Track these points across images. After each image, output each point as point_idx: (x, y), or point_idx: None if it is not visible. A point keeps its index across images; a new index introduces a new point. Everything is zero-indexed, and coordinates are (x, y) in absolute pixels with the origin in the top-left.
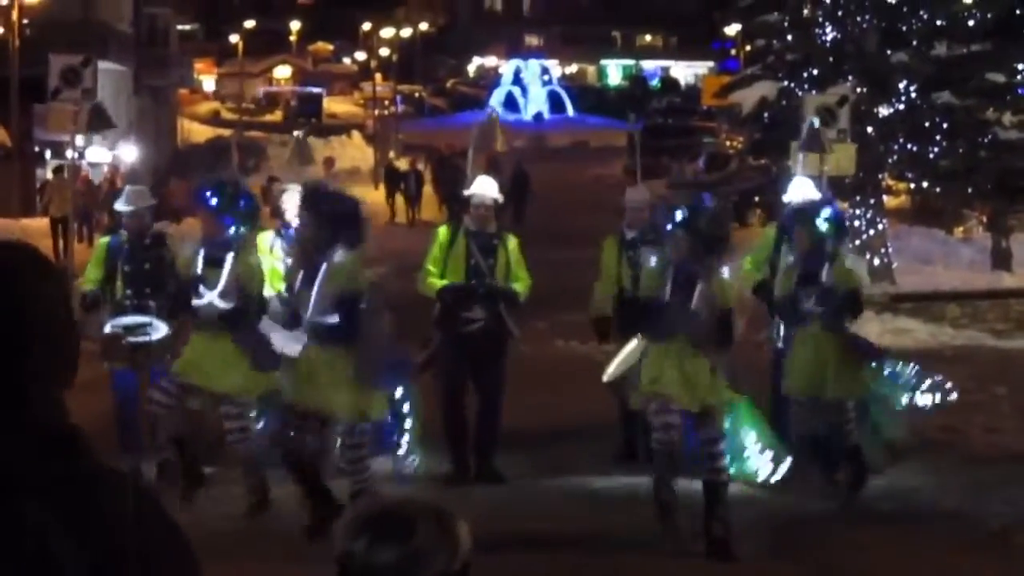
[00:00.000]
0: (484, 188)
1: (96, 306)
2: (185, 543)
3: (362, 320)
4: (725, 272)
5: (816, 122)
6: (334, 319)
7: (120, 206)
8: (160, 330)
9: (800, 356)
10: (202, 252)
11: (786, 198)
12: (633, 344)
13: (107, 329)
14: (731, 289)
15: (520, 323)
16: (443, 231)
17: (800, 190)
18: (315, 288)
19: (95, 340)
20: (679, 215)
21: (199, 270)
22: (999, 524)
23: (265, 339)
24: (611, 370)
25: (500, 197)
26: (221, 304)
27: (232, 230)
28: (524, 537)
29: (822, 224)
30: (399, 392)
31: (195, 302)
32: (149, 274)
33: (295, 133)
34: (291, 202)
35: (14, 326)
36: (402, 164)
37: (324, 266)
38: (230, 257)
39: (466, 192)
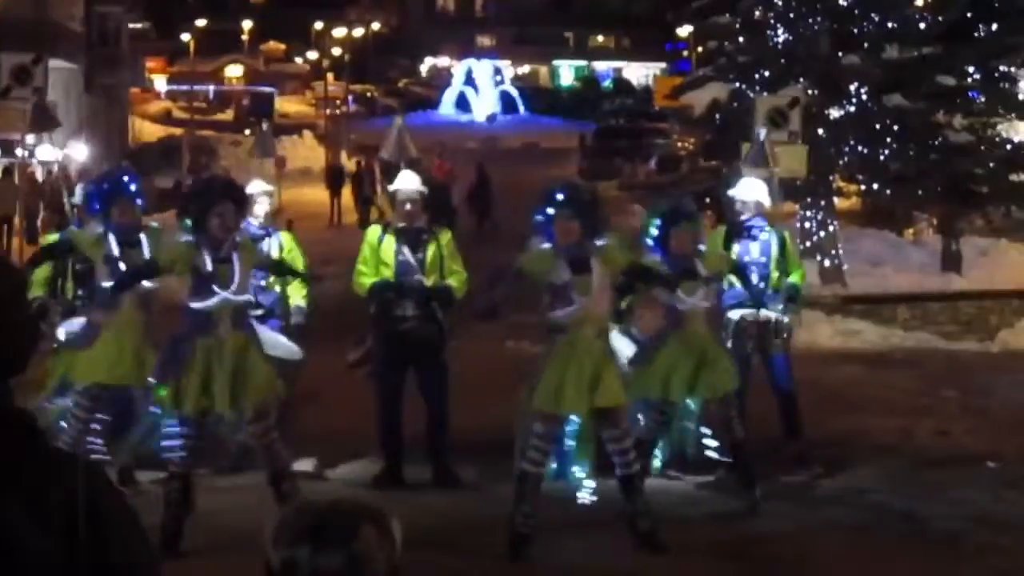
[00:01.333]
0: (407, 183)
1: (44, 315)
2: (138, 522)
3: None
4: (606, 240)
5: (762, 134)
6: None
7: (77, 200)
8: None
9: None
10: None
11: (736, 195)
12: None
13: (62, 337)
14: (621, 248)
15: (460, 320)
16: (372, 230)
17: (750, 189)
18: (236, 267)
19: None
20: (559, 197)
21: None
22: (949, 526)
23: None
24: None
25: (424, 189)
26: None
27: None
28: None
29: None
30: None
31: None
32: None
33: (263, 125)
34: (260, 203)
35: None
36: (350, 165)
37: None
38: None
39: (389, 188)
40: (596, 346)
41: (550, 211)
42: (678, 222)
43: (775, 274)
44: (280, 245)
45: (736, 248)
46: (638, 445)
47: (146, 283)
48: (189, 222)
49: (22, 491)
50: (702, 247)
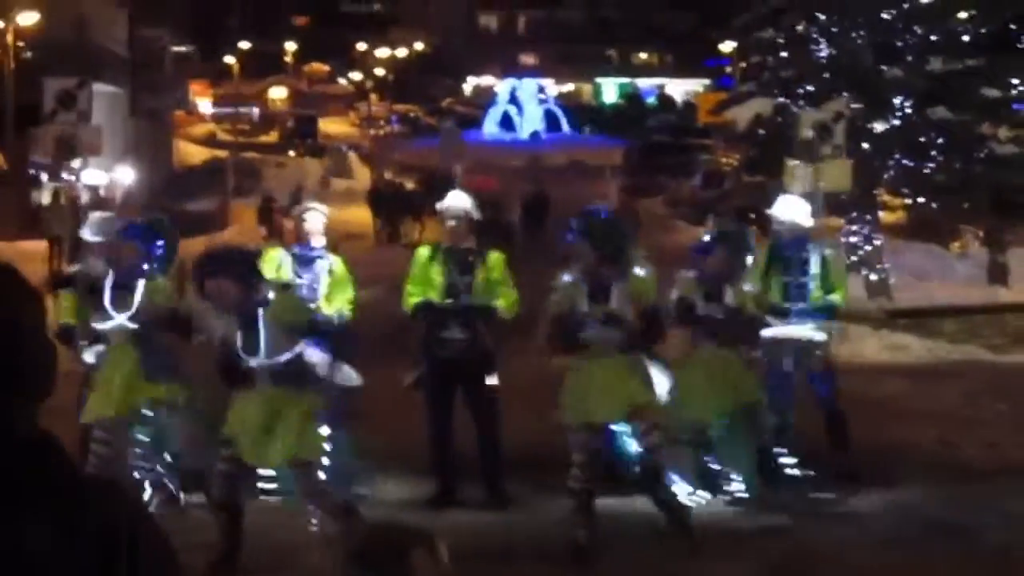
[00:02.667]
0: (454, 201)
1: (70, 340)
2: (171, 549)
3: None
4: (640, 271)
5: (810, 133)
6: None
7: (87, 236)
8: None
9: (695, 377)
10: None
11: (774, 214)
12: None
13: (90, 360)
14: (650, 285)
15: (509, 340)
16: (422, 250)
17: (788, 208)
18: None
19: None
20: (576, 226)
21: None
22: (998, 539)
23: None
24: None
25: (474, 211)
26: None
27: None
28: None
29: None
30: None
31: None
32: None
33: (341, 146)
34: (315, 222)
35: (4, 342)
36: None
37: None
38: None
39: (438, 207)
40: (617, 360)
41: (569, 238)
42: (722, 244)
43: (816, 293)
44: (330, 269)
45: (778, 268)
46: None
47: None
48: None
49: (49, 517)
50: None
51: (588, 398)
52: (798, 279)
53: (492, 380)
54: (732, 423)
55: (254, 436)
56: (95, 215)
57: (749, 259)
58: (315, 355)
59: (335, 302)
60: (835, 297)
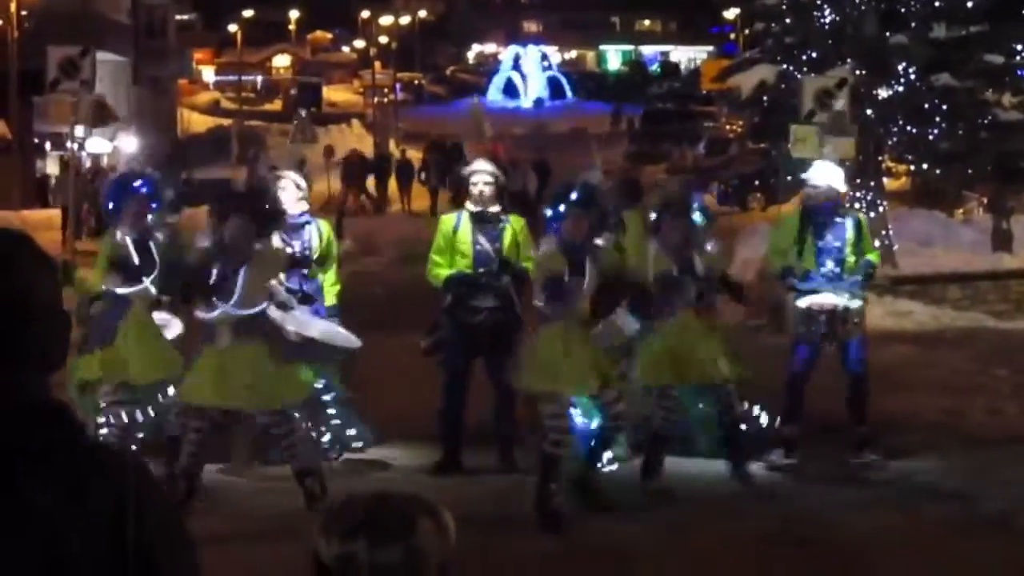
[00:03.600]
0: (482, 165)
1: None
2: (178, 514)
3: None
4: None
5: (839, 104)
6: (257, 309)
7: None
8: (175, 328)
9: (666, 344)
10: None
11: (808, 179)
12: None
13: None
14: (612, 257)
15: (527, 309)
16: (446, 219)
17: (823, 173)
18: (240, 281)
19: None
20: (573, 195)
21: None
22: (1000, 506)
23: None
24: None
25: (499, 173)
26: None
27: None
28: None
29: (695, 215)
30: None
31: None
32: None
33: (301, 112)
34: (288, 193)
35: (15, 311)
36: (395, 152)
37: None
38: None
39: (464, 171)
40: (579, 332)
41: (562, 208)
42: (666, 213)
43: (851, 258)
44: (319, 232)
45: (810, 234)
46: (654, 439)
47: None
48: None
49: (60, 483)
50: (709, 246)
51: (559, 368)
52: (832, 244)
53: (516, 344)
54: (699, 395)
55: (239, 381)
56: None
57: (699, 221)
58: (275, 312)
59: (328, 272)
60: (871, 256)
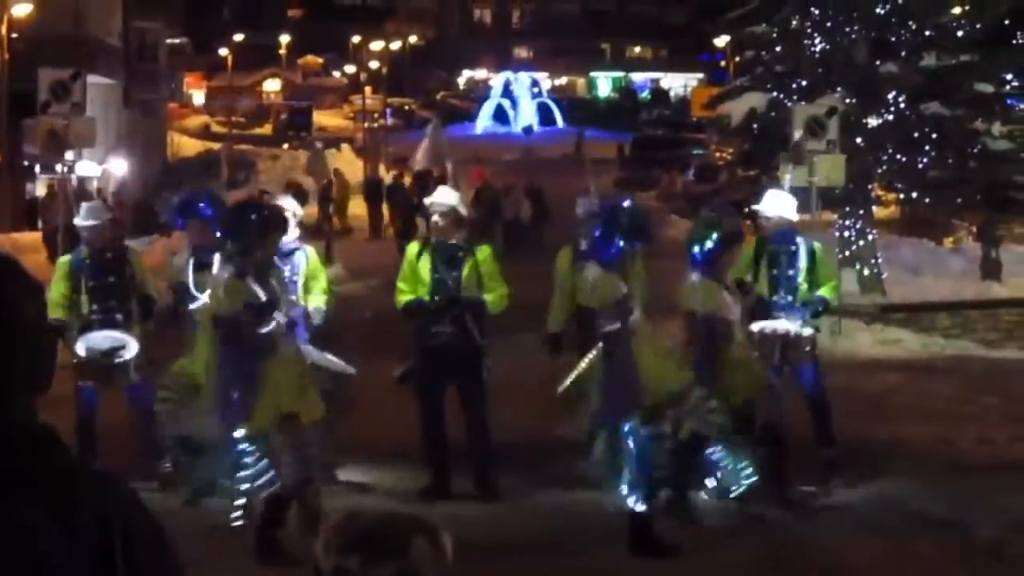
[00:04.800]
0: (440, 197)
1: (61, 334)
2: (166, 540)
3: None
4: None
5: (797, 135)
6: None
7: (79, 222)
8: (132, 348)
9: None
10: (192, 260)
11: (761, 209)
12: (589, 357)
13: (81, 352)
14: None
15: (499, 335)
16: (412, 247)
17: (774, 203)
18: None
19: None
20: (600, 218)
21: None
22: (990, 533)
23: None
24: (566, 383)
25: (461, 207)
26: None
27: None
28: (501, 550)
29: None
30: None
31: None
32: (113, 288)
33: (317, 145)
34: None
35: (4, 334)
36: (388, 177)
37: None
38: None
39: (425, 201)
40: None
41: (631, 242)
42: (732, 244)
43: (803, 286)
44: (307, 258)
45: (765, 262)
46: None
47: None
48: (233, 250)
49: (46, 507)
50: None
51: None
52: (786, 273)
53: (480, 371)
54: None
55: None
56: (85, 204)
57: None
58: None
59: (313, 293)
60: (824, 291)
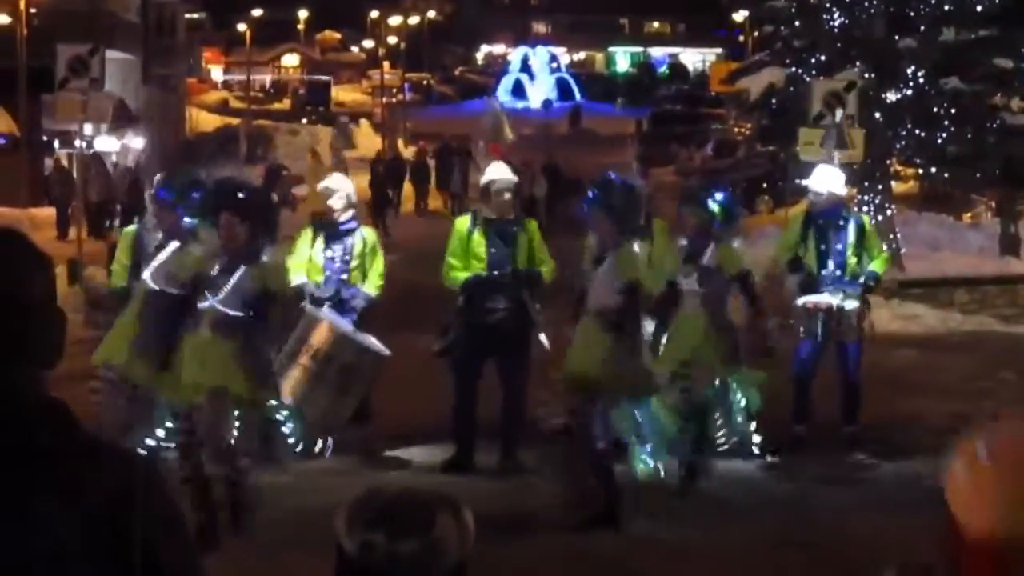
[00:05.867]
0: (502, 173)
1: (125, 303)
2: (180, 515)
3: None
4: (636, 247)
5: (838, 116)
6: (239, 313)
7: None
8: None
9: (678, 333)
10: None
11: (810, 185)
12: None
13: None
14: (636, 262)
15: (542, 311)
16: (460, 222)
17: (825, 178)
18: (232, 280)
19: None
20: (591, 195)
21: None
22: None
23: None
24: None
25: (517, 180)
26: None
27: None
28: (519, 526)
29: (712, 206)
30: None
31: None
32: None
33: (342, 119)
34: (337, 200)
35: (11, 309)
36: (408, 154)
37: (245, 264)
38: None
39: (483, 180)
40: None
41: (586, 207)
42: (684, 205)
43: (852, 260)
44: (363, 240)
45: (812, 236)
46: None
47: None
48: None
49: (57, 480)
50: (736, 243)
51: (578, 364)
52: (834, 247)
53: (528, 347)
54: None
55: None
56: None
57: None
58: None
59: (369, 277)
60: (875, 265)
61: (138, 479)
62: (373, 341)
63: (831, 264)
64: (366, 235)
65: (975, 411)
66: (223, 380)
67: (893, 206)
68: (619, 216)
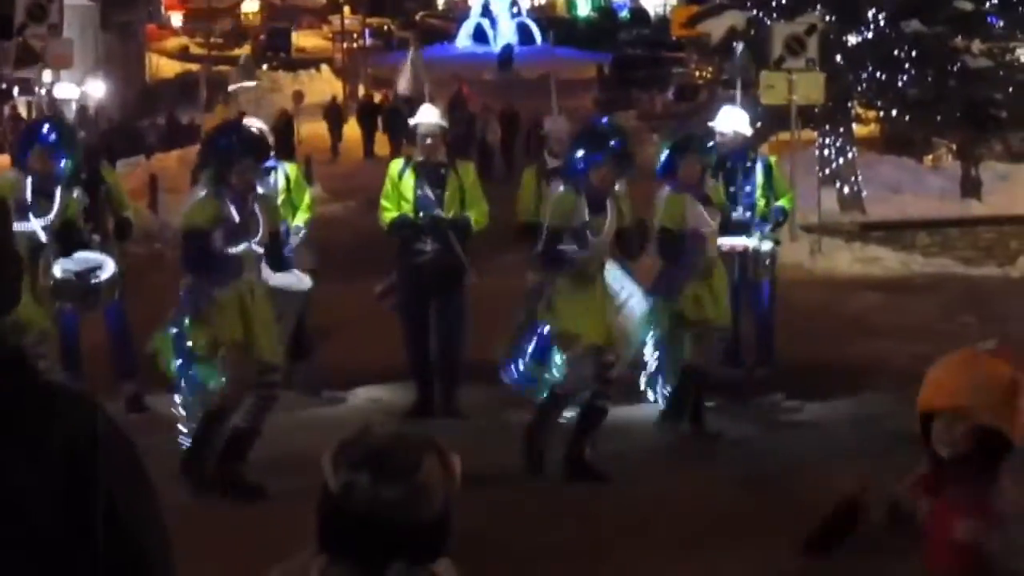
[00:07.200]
0: (427, 116)
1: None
2: (139, 459)
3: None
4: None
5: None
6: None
7: None
8: (108, 269)
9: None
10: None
11: (717, 126)
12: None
13: (58, 273)
14: (627, 203)
15: (481, 254)
16: (394, 164)
17: (729, 119)
18: (261, 219)
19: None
20: (610, 144)
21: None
22: None
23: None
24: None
25: (444, 123)
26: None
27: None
28: (493, 471)
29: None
30: None
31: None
32: (87, 209)
33: (243, 57)
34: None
35: None
36: (377, 98)
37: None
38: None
39: (411, 122)
40: (600, 282)
41: (592, 157)
42: (687, 152)
43: (761, 201)
44: (286, 175)
45: (721, 179)
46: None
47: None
48: (211, 174)
49: (13, 427)
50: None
51: (581, 318)
52: (743, 188)
53: (460, 288)
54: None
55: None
56: None
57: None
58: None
59: (296, 211)
60: (783, 203)
61: (97, 425)
62: (293, 276)
63: (740, 207)
64: (288, 170)
65: (937, 353)
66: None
67: (854, 149)
68: (623, 164)
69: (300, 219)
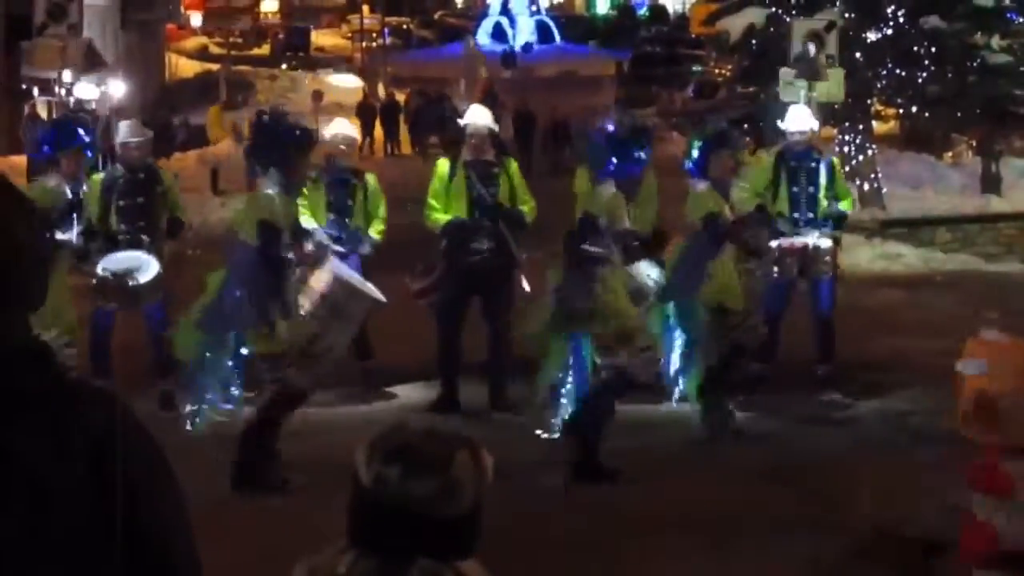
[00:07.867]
0: (477, 117)
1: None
2: (163, 456)
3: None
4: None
5: (812, 48)
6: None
7: (121, 139)
8: (151, 269)
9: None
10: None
11: (786, 126)
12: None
13: (99, 272)
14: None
15: (523, 251)
16: (442, 164)
17: (799, 119)
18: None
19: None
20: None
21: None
22: None
23: None
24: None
25: (495, 126)
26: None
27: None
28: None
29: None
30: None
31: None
32: (143, 208)
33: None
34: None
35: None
36: (400, 97)
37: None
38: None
39: (461, 123)
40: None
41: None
42: (720, 148)
43: (824, 202)
44: (366, 185)
45: (784, 179)
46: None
47: None
48: (273, 170)
49: (40, 422)
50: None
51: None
52: (806, 189)
53: (511, 285)
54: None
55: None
56: (124, 122)
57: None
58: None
59: (372, 222)
60: (844, 205)
61: (120, 421)
62: (370, 288)
63: (804, 207)
64: (368, 180)
65: (956, 350)
66: None
67: (874, 146)
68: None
69: (375, 230)
